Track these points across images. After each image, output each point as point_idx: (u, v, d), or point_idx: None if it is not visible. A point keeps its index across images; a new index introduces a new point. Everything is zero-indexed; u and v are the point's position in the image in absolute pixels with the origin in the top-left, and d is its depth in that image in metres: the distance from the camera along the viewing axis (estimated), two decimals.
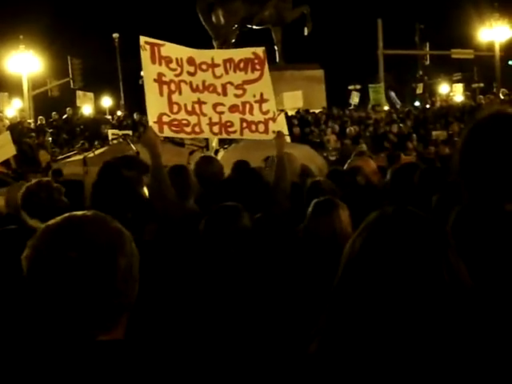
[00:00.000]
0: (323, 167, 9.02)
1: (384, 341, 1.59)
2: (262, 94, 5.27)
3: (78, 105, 29.86)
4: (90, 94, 31.70)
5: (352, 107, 28.60)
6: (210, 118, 5.31)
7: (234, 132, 5.36)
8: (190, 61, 5.30)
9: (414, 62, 39.95)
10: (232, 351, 2.91)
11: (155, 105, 5.42)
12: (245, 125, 5.29)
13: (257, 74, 5.27)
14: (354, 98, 30.69)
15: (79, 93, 30.66)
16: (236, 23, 28.66)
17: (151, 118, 5.41)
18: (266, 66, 5.31)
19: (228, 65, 5.28)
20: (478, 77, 40.10)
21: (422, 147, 17.59)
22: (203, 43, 25.86)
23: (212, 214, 3.65)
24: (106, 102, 40.68)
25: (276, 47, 30.13)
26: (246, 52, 5.33)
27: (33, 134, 21.23)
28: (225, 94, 5.30)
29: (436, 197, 3.67)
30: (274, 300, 3.30)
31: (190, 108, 5.31)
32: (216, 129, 5.32)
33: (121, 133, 13.32)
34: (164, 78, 5.31)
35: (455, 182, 2.45)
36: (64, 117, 25.84)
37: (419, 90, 36.65)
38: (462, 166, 2.15)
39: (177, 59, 5.31)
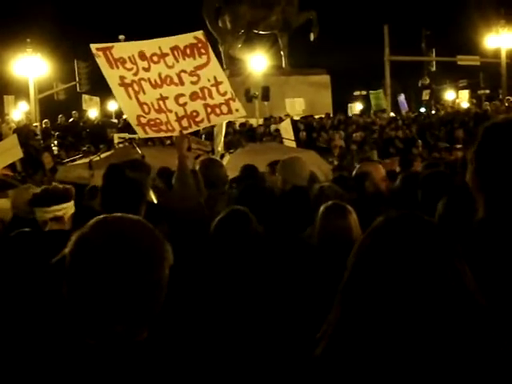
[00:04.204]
0: (328, 173, 9.02)
1: (389, 345, 1.59)
2: (215, 77, 5.36)
3: (84, 108, 29.96)
4: (96, 99, 31.77)
5: (357, 113, 28.64)
6: (176, 113, 5.37)
7: (202, 121, 5.44)
8: (142, 55, 5.35)
9: (420, 68, 39.91)
10: (239, 353, 2.91)
11: (129, 109, 5.48)
12: (209, 110, 5.38)
13: (204, 58, 5.35)
14: (356, 107, 30.83)
15: (85, 97, 30.75)
16: (242, 28, 28.72)
17: (132, 122, 5.50)
18: (210, 48, 5.38)
19: (176, 53, 5.33)
20: (483, 83, 40.00)
21: (427, 153, 17.53)
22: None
23: (223, 217, 3.65)
24: (112, 105, 40.71)
25: (282, 52, 30.18)
26: (188, 38, 5.39)
27: (39, 137, 21.26)
28: (182, 83, 5.37)
29: (442, 202, 3.64)
30: (284, 304, 3.30)
31: (156, 106, 5.38)
32: (185, 122, 5.39)
33: (127, 136, 13.31)
34: (126, 81, 5.37)
35: (461, 188, 2.43)
36: (70, 120, 25.91)
37: (426, 97, 36.60)
38: (480, 178, 2.13)
39: (129, 58, 5.34)
